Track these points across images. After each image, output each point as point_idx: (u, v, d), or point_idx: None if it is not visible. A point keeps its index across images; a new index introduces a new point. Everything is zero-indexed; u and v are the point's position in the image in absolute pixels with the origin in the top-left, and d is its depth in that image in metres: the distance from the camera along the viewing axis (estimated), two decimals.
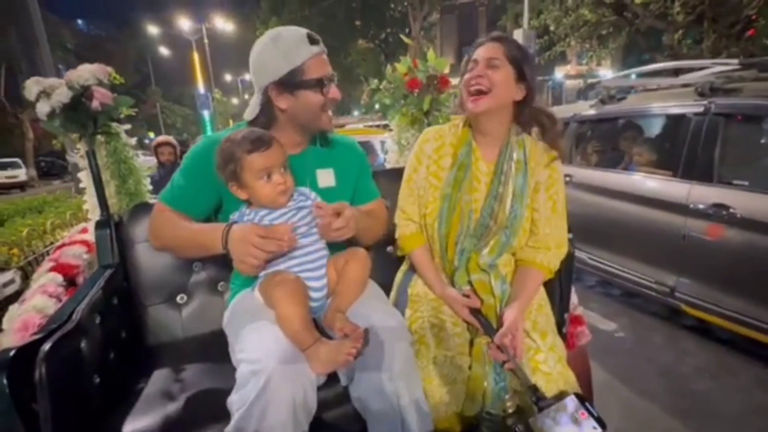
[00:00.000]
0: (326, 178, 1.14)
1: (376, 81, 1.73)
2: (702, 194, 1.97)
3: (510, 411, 0.91)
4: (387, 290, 1.23)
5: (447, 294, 1.07)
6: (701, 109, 2.04)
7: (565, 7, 7.87)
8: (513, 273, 1.11)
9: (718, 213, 1.88)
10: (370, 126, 7.39)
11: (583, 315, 1.41)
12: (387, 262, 1.30)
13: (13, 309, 1.12)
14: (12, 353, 0.70)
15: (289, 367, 0.83)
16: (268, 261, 0.95)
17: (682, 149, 2.11)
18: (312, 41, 1.00)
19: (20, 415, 0.69)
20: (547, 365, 0.96)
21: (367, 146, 4.43)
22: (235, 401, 0.82)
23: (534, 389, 0.90)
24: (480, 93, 1.00)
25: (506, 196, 1.05)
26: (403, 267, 1.25)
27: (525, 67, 1.02)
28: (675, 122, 2.32)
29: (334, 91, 1.05)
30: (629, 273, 2.37)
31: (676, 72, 2.88)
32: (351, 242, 1.07)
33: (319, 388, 0.90)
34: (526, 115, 1.08)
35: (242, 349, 0.89)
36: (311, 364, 0.87)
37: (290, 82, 0.99)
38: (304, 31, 1.01)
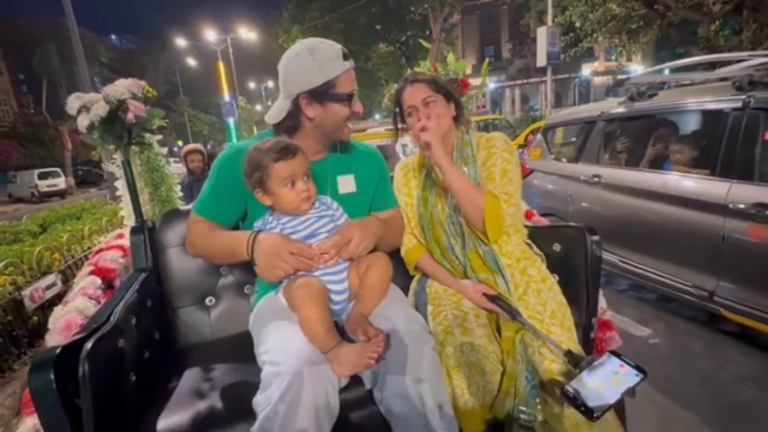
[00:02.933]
0: (347, 184, 1.16)
1: (396, 85, 1.74)
2: (742, 193, 1.86)
3: (541, 414, 0.91)
4: (407, 292, 1.24)
5: (463, 286, 1.13)
6: (739, 104, 1.94)
7: (591, 2, 7.63)
8: (523, 271, 1.13)
9: (761, 213, 1.77)
10: (391, 129, 7.42)
11: (612, 320, 1.36)
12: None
13: (57, 310, 1.19)
14: (58, 351, 0.75)
15: (311, 369, 0.84)
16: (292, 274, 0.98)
17: (720, 147, 2.01)
18: (345, 57, 1.05)
19: (64, 409, 0.74)
20: (562, 375, 0.96)
21: (388, 150, 4.44)
22: (260, 401, 0.84)
23: (570, 353, 0.94)
24: None
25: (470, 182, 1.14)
26: (417, 275, 1.29)
27: (447, 91, 1.20)
28: (711, 118, 2.21)
29: (358, 106, 1.09)
30: (664, 276, 2.26)
31: (713, 66, 2.75)
32: (372, 249, 1.08)
33: (343, 390, 0.91)
34: (463, 117, 1.25)
35: (266, 350, 0.92)
36: (333, 366, 0.88)
37: (322, 94, 1.02)
38: (339, 46, 1.05)
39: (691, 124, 2.55)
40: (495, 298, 1.07)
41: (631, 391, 0.82)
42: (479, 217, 1.08)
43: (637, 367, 0.85)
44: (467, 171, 1.19)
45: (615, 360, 0.87)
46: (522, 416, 0.95)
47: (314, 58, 1.01)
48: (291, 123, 1.09)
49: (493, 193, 1.12)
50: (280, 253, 0.94)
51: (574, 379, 0.85)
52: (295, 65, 1.03)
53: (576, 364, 0.91)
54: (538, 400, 0.96)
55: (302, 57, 1.02)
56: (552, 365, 0.97)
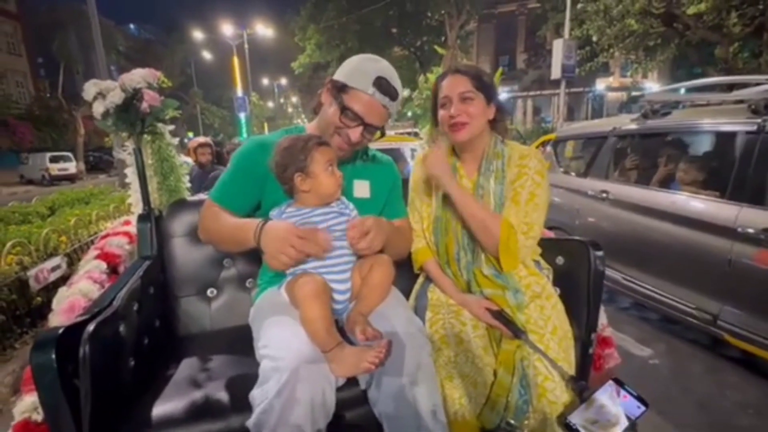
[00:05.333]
0: (362, 189, 1.18)
1: (408, 90, 1.75)
2: (752, 218, 1.84)
3: (530, 427, 0.90)
4: (409, 296, 1.24)
5: (466, 300, 1.10)
6: (754, 128, 1.92)
7: (609, 16, 7.60)
8: (527, 287, 1.10)
9: None
10: (401, 134, 7.42)
11: (612, 337, 1.35)
12: (409, 269, 1.30)
13: (62, 291, 1.21)
14: (60, 331, 0.76)
15: (309, 366, 0.85)
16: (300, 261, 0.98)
17: (731, 169, 1.99)
18: (379, 86, 1.03)
19: (63, 389, 0.75)
20: (554, 394, 0.95)
21: (396, 154, 4.45)
22: (257, 395, 0.84)
23: (574, 379, 0.93)
24: (461, 125, 1.10)
25: (486, 207, 1.11)
26: (421, 278, 1.28)
27: (491, 91, 1.12)
28: (724, 140, 2.19)
29: (354, 132, 1.05)
30: (667, 297, 2.24)
31: (730, 87, 2.72)
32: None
33: (339, 389, 0.91)
34: (501, 123, 1.18)
35: (265, 345, 0.92)
36: (332, 366, 0.88)
37: (336, 90, 1.05)
38: (381, 73, 1.04)
39: (703, 145, 2.53)
40: (499, 315, 1.04)
41: (633, 425, 0.81)
42: (493, 248, 1.06)
43: (640, 398, 0.84)
44: (493, 187, 1.12)
45: (618, 389, 0.86)
46: (510, 429, 0.95)
47: (360, 63, 1.07)
48: (318, 101, 1.14)
49: (510, 222, 1.06)
50: (289, 237, 0.93)
51: (576, 409, 0.84)
52: (350, 60, 1.10)
53: (579, 392, 0.90)
54: (528, 414, 0.95)
55: (356, 57, 1.10)
56: (546, 381, 0.96)
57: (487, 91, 1.11)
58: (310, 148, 1.01)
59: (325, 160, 1.02)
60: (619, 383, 0.87)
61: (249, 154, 1.11)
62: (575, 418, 0.82)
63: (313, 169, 1.01)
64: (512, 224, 1.07)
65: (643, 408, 0.82)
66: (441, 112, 1.14)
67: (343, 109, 1.04)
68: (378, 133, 1.11)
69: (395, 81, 1.06)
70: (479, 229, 1.07)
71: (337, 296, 1.01)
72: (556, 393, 0.95)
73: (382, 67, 1.06)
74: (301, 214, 1.03)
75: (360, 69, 1.05)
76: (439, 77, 1.17)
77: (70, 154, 16.81)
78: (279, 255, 0.93)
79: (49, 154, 16.12)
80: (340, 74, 1.07)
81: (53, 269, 2.51)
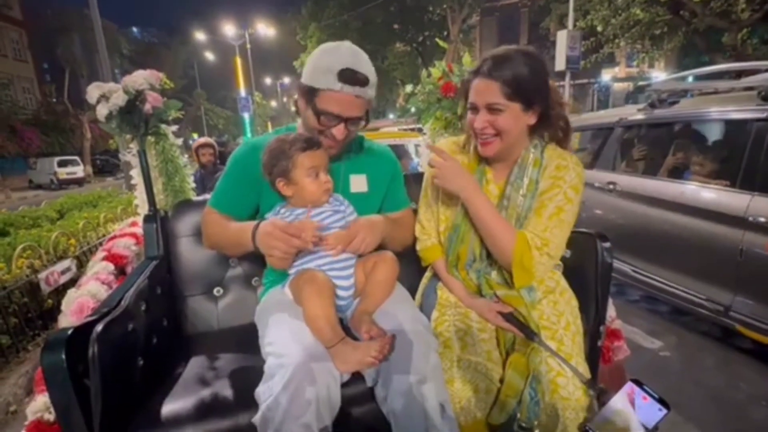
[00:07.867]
0: (359, 183, 1.16)
1: (411, 85, 1.74)
2: (763, 206, 1.81)
3: (542, 427, 0.90)
4: (414, 293, 1.23)
5: (475, 304, 1.06)
6: (764, 115, 1.88)
7: (614, 6, 7.48)
8: (541, 282, 1.08)
9: None
10: (405, 129, 7.39)
11: (621, 329, 1.34)
12: (415, 265, 1.29)
13: (71, 293, 1.23)
14: (70, 332, 0.77)
15: (314, 363, 0.85)
16: (296, 255, 0.98)
17: (742, 158, 1.95)
18: (345, 79, 0.96)
19: (74, 388, 0.76)
20: (567, 390, 0.93)
21: (400, 150, 4.43)
22: (263, 392, 0.84)
23: (592, 383, 0.90)
24: (488, 140, 0.99)
25: (509, 221, 1.02)
26: (428, 273, 1.25)
27: (531, 94, 0.95)
28: (734, 128, 2.15)
29: (337, 130, 1.01)
30: (678, 288, 2.21)
31: (739, 74, 2.67)
32: (379, 247, 1.08)
33: (345, 385, 0.91)
34: (548, 125, 1.04)
35: (270, 342, 0.93)
36: (336, 362, 0.88)
37: (306, 94, 1.02)
38: (343, 64, 0.96)
39: (712, 134, 2.49)
40: (512, 317, 1.00)
41: (654, 430, 0.78)
42: (506, 262, 0.99)
43: (661, 401, 0.80)
44: (522, 201, 1.01)
45: (637, 391, 0.83)
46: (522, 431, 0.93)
47: (319, 59, 1.00)
48: (295, 108, 1.12)
49: (526, 239, 0.97)
50: (273, 232, 0.93)
51: (594, 415, 0.82)
52: (310, 57, 1.05)
53: (597, 396, 0.88)
54: (539, 415, 0.94)
55: (316, 53, 1.03)
56: (559, 377, 0.94)
57: (526, 96, 0.95)
58: (292, 154, 0.98)
59: (308, 166, 0.99)
60: (639, 384, 0.84)
61: (242, 158, 1.11)
62: (594, 425, 0.80)
63: (294, 175, 0.99)
64: (527, 240, 0.97)
65: (664, 411, 0.79)
66: (468, 116, 1.02)
67: (319, 114, 1.00)
68: (363, 123, 1.06)
69: (362, 65, 0.98)
70: (491, 240, 1.00)
71: (340, 292, 1.01)
72: (568, 389, 0.93)
73: (342, 54, 0.98)
74: (295, 215, 1.02)
75: (321, 67, 0.98)
76: (471, 72, 1.01)
77: (77, 158, 17.00)
78: (270, 250, 0.94)
79: (57, 159, 16.32)
80: (306, 76, 1.01)
81: (63, 272, 2.54)
